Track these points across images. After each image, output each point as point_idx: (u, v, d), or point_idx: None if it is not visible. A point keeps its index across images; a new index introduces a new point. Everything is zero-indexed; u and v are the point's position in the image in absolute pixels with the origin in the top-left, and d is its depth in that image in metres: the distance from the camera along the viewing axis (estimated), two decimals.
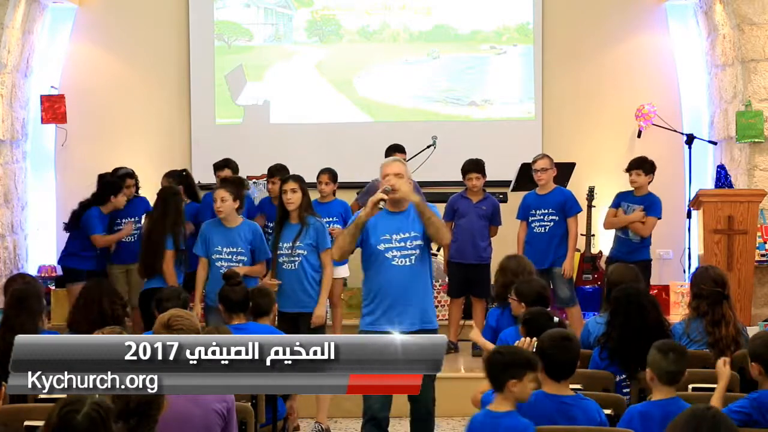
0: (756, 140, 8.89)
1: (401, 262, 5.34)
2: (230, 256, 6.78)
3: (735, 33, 8.98)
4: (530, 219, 7.98)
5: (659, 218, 7.93)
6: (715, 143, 9.54)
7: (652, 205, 7.93)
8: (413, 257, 5.34)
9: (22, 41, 9.27)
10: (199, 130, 10.15)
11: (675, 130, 9.66)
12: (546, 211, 7.92)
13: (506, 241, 8.46)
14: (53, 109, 9.65)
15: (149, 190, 8.86)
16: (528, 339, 4.44)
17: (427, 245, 5.42)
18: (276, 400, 5.34)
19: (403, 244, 5.35)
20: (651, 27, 10.11)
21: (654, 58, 10.11)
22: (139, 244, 7.97)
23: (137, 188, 8.46)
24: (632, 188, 8.02)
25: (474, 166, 8.02)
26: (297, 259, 6.61)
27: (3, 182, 8.99)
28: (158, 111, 10.19)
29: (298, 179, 6.76)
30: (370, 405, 5.34)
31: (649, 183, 7.99)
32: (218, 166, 8.38)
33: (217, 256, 6.79)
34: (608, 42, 10.14)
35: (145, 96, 10.18)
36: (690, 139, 9.26)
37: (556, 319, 4.88)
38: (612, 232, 8.18)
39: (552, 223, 7.90)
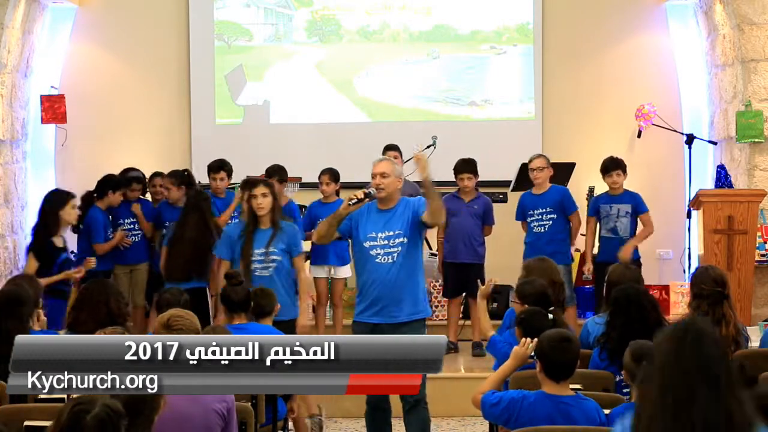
0: (756, 140, 8.89)
1: (384, 259, 5.60)
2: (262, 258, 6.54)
3: (735, 33, 8.98)
4: (529, 219, 8.01)
5: (648, 210, 8.09)
6: (715, 143, 9.54)
7: (639, 203, 8.09)
8: (396, 254, 5.58)
9: (22, 41, 9.27)
10: (199, 130, 10.15)
11: (675, 130, 9.66)
12: (544, 210, 7.95)
13: (502, 241, 8.48)
14: (53, 109, 9.65)
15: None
16: (528, 340, 4.44)
17: (413, 240, 5.62)
18: (276, 400, 5.34)
19: (387, 242, 5.60)
20: (651, 27, 10.11)
21: (654, 58, 10.10)
22: (147, 246, 8.03)
23: (143, 193, 8.47)
24: (607, 190, 8.18)
25: (466, 166, 8.02)
26: (272, 265, 6.41)
27: (3, 182, 8.99)
28: (158, 111, 10.19)
29: (267, 184, 6.64)
30: None
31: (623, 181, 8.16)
32: (214, 168, 8.26)
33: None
34: (608, 42, 10.14)
35: (145, 96, 10.18)
36: (690, 139, 9.26)
37: (551, 316, 4.88)
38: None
39: (551, 222, 7.93)
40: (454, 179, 8.15)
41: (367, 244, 5.62)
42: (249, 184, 6.66)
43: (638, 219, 8.07)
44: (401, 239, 5.59)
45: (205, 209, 7.44)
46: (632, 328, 4.91)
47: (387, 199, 5.67)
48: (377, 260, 5.59)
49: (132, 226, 8.24)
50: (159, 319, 4.16)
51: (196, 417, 3.92)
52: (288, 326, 6.26)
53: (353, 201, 5.49)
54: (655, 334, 2.85)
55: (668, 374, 2.66)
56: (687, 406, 2.63)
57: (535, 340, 4.28)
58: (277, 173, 8.01)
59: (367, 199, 5.53)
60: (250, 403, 4.71)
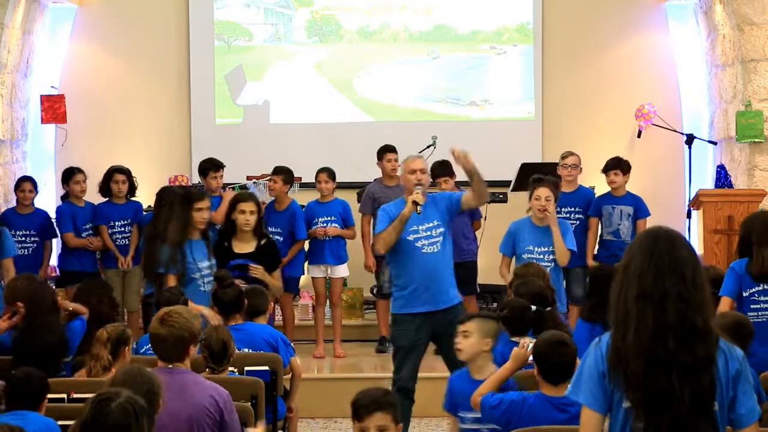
0: (756, 140, 8.89)
1: (429, 249, 5.85)
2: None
3: (735, 33, 8.98)
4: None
5: (649, 215, 8.07)
6: (715, 143, 9.54)
7: (640, 207, 8.08)
8: (438, 243, 5.86)
9: (22, 41, 9.28)
10: (199, 130, 10.15)
11: (675, 130, 9.66)
12: (572, 209, 7.93)
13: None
14: (53, 109, 9.65)
15: (149, 189, 8.85)
16: (527, 341, 4.44)
17: (448, 229, 5.92)
18: (276, 400, 5.34)
19: (429, 233, 5.87)
20: (651, 27, 10.11)
21: (654, 58, 10.11)
22: (136, 248, 7.92)
23: (133, 187, 8.24)
24: (609, 190, 8.16)
25: (441, 170, 7.87)
26: (211, 278, 6.30)
27: (3, 182, 8.99)
28: (158, 111, 10.19)
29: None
30: (401, 376, 5.87)
31: (625, 182, 8.14)
32: (214, 167, 8.10)
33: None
34: (608, 42, 10.14)
35: (145, 96, 10.18)
36: (690, 139, 9.25)
37: (533, 307, 4.93)
38: None
39: (578, 222, 7.92)
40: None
41: (411, 237, 5.83)
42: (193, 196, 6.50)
43: (637, 224, 8.03)
44: (441, 229, 5.88)
45: (176, 204, 7.38)
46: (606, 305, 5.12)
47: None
48: (423, 251, 5.84)
49: (123, 228, 8.13)
50: (157, 314, 4.13)
51: (182, 414, 3.88)
52: None
53: (418, 207, 5.72)
54: None
55: (643, 279, 2.79)
56: (662, 306, 2.76)
57: (534, 341, 4.29)
58: (282, 173, 8.03)
59: (426, 197, 5.82)
60: (250, 403, 4.70)
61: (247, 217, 6.70)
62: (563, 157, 8.05)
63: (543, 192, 6.59)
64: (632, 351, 2.75)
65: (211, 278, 6.27)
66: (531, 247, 6.50)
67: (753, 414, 2.83)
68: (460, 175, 7.91)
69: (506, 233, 6.74)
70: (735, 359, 2.82)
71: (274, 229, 8.02)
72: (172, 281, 6.23)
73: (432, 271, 5.83)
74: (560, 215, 7.91)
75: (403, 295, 5.89)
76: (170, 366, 3.98)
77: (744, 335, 4.46)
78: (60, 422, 4.30)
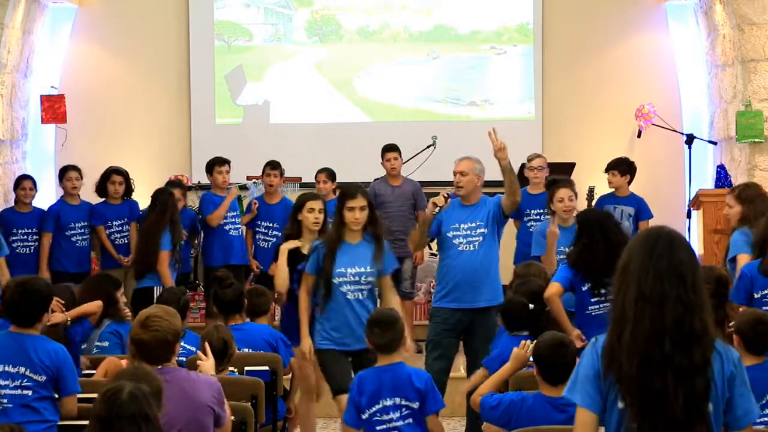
0: (756, 140, 8.88)
1: (466, 247, 5.99)
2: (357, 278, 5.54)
3: (735, 33, 8.98)
4: (525, 218, 7.89)
5: (652, 217, 8.03)
6: (715, 143, 9.54)
7: (642, 208, 8.07)
8: (477, 243, 5.99)
9: (22, 41, 9.28)
10: (199, 130, 10.15)
11: (675, 130, 9.66)
12: (541, 210, 7.88)
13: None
14: (53, 109, 9.65)
15: (150, 189, 8.84)
16: (528, 342, 4.45)
17: (492, 233, 6.05)
18: (276, 400, 5.34)
19: (469, 232, 6.01)
20: (651, 27, 10.11)
21: (654, 58, 10.11)
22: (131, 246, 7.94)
23: (129, 188, 8.20)
24: (611, 190, 8.16)
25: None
26: (367, 287, 5.52)
27: (3, 182, 8.98)
28: (158, 111, 10.19)
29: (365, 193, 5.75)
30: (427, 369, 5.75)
31: (629, 183, 8.12)
32: (220, 162, 8.14)
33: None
34: (608, 42, 10.14)
35: (145, 96, 10.17)
36: (690, 139, 9.25)
37: (531, 306, 5.05)
38: None
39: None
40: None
41: (450, 234, 6.01)
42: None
43: (638, 225, 8.01)
44: (482, 230, 6.00)
45: (166, 204, 7.40)
46: (596, 248, 5.46)
47: (469, 196, 6.07)
48: (459, 248, 5.99)
49: (121, 227, 8.12)
50: (138, 317, 4.09)
51: (188, 413, 3.87)
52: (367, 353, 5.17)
53: (438, 208, 5.85)
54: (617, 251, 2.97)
55: (643, 281, 2.77)
56: (660, 309, 2.74)
57: (534, 342, 4.30)
58: (279, 167, 8.10)
59: (448, 201, 5.90)
60: (250, 403, 4.70)
61: (316, 215, 5.94)
62: (529, 160, 8.01)
63: (565, 193, 6.64)
64: (626, 351, 2.74)
65: (360, 286, 5.49)
66: (563, 248, 6.44)
67: (749, 416, 2.82)
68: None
69: (536, 235, 6.80)
70: (730, 361, 2.81)
71: (269, 224, 8.03)
72: (309, 280, 5.59)
73: (465, 269, 5.95)
74: (529, 217, 7.84)
75: (439, 290, 6.08)
76: (159, 367, 3.95)
77: (762, 332, 4.41)
78: (62, 422, 4.31)
